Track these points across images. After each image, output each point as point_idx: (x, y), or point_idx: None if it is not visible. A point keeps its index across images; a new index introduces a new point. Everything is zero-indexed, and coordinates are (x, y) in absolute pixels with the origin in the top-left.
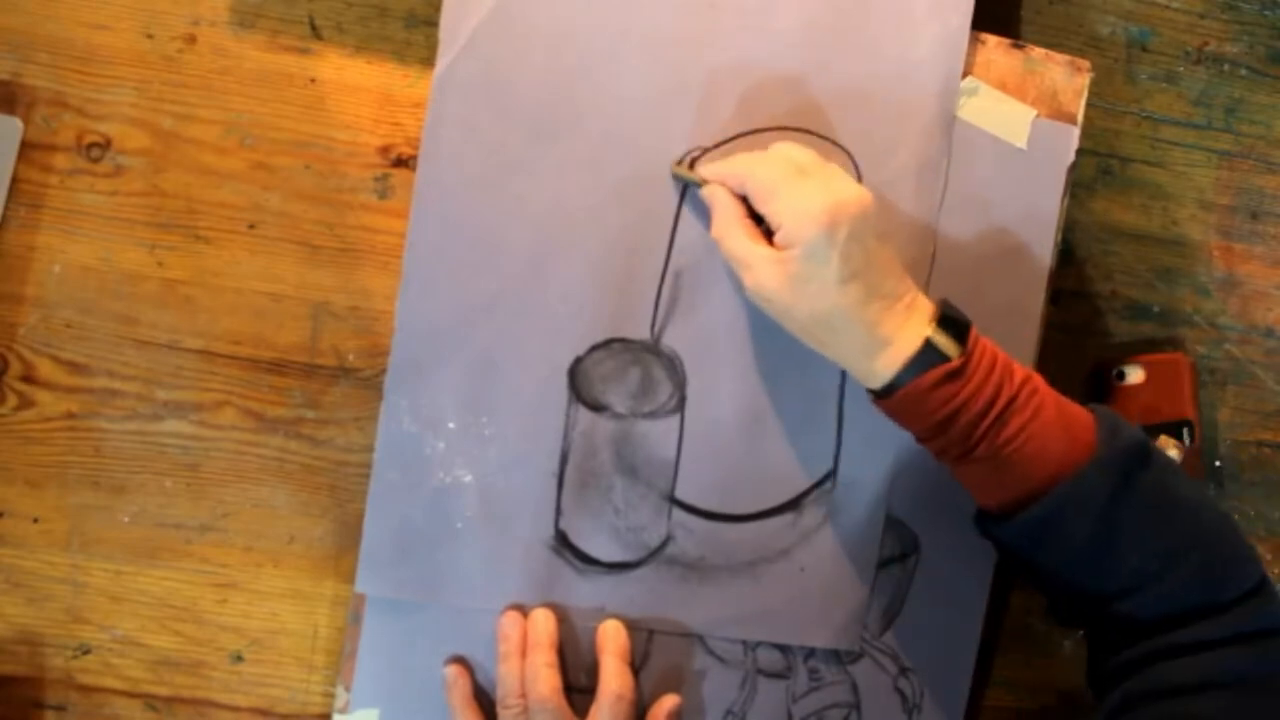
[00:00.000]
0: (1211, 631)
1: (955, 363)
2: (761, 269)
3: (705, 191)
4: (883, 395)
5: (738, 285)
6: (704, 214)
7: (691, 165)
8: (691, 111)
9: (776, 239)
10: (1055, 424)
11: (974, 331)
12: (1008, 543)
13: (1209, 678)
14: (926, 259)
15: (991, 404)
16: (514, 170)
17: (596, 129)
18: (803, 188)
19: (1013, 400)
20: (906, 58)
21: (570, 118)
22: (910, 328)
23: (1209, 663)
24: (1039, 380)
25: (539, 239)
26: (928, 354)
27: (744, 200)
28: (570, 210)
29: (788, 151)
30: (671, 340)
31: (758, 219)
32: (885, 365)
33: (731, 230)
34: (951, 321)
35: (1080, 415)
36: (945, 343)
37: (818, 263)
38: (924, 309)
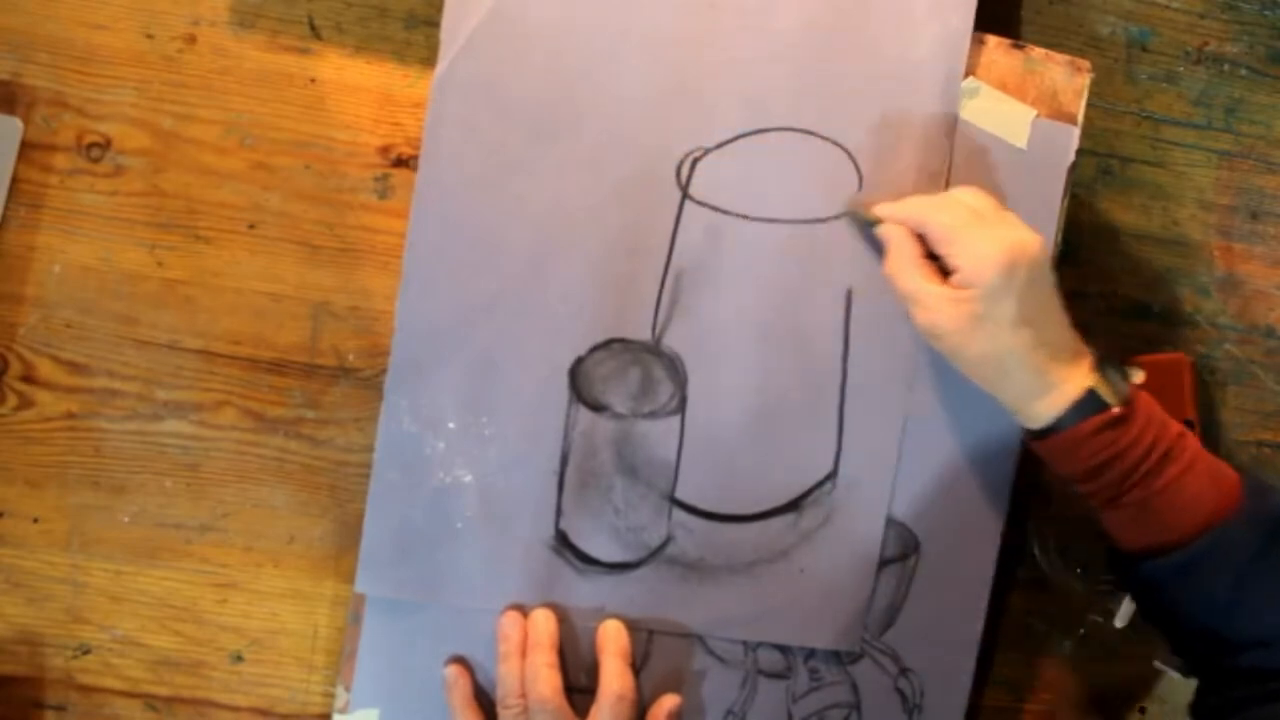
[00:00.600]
0: None
1: (1118, 411)
2: (937, 307)
3: (882, 230)
4: (1040, 436)
5: (907, 319)
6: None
7: (693, 165)
8: (692, 111)
9: (955, 279)
10: (1206, 478)
11: (1133, 384)
12: (1146, 582)
13: None
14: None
15: (1149, 453)
16: (514, 170)
17: (597, 129)
18: (983, 232)
19: (1169, 451)
20: (907, 58)
21: (570, 118)
22: (1075, 374)
23: None
24: (1192, 437)
25: (539, 239)
26: (1091, 400)
27: (919, 240)
28: (571, 210)
29: (967, 197)
30: (672, 341)
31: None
32: (1048, 408)
33: (907, 268)
34: (1112, 371)
35: (1228, 473)
36: (1109, 391)
37: (995, 304)
38: (1086, 357)
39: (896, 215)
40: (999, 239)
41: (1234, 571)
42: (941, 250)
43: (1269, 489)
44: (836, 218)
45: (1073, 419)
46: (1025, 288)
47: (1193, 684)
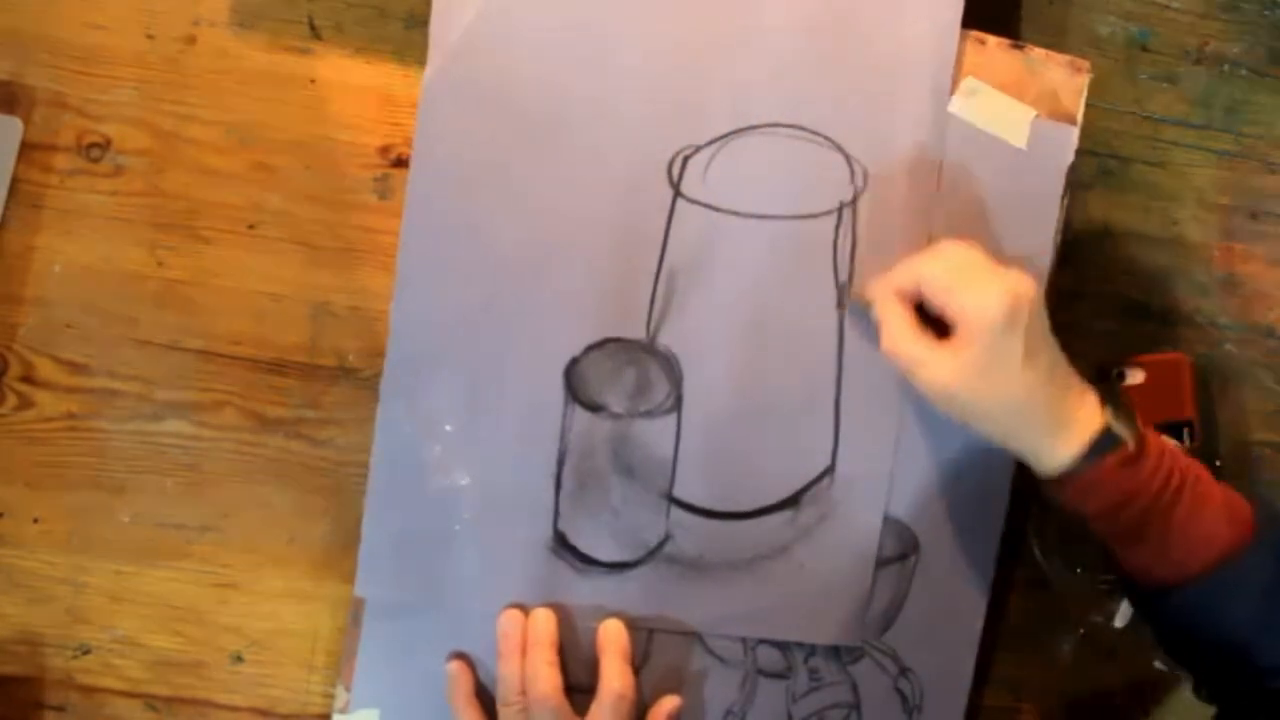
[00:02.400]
0: None
1: (1133, 448)
2: (941, 365)
3: (878, 310)
4: (1057, 480)
5: (911, 393)
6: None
7: (684, 163)
8: (683, 109)
9: (958, 333)
10: (1221, 509)
11: (1139, 418)
12: (1167, 615)
13: None
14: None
15: (1165, 487)
16: (506, 171)
17: (587, 128)
18: (980, 280)
19: (1184, 483)
20: (897, 52)
21: (561, 117)
22: (1087, 412)
23: None
24: (1201, 466)
25: (532, 240)
26: (1106, 438)
27: (911, 308)
28: (563, 211)
29: (957, 250)
30: (667, 339)
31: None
32: (1066, 448)
33: (904, 335)
34: (1118, 405)
35: (1241, 502)
36: (1122, 428)
37: (1001, 350)
38: (1092, 395)
39: (890, 284)
40: (997, 285)
41: (1254, 599)
42: (939, 303)
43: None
44: (846, 307)
45: (1091, 458)
46: (1030, 326)
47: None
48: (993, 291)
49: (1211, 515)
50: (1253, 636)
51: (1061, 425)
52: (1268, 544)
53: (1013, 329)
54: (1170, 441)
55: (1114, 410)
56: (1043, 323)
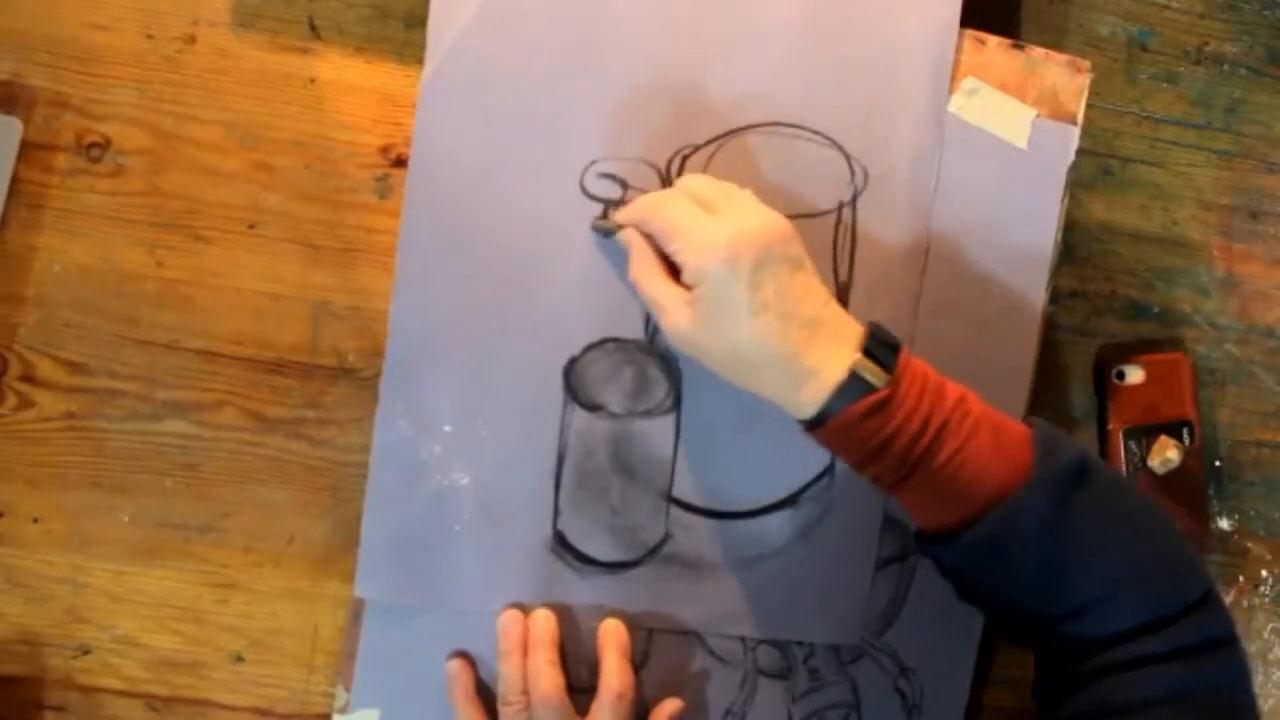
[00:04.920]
0: (1155, 646)
1: (883, 392)
2: (676, 310)
3: (622, 236)
4: (812, 426)
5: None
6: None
7: (683, 163)
8: (680, 109)
9: (683, 278)
10: (990, 445)
11: (904, 355)
12: (949, 565)
13: (1150, 694)
14: (920, 253)
15: (923, 431)
16: (504, 171)
17: (585, 128)
18: (703, 222)
19: (944, 425)
20: (896, 49)
21: (559, 117)
22: (836, 356)
23: (1150, 678)
24: (974, 400)
25: (530, 241)
26: (855, 383)
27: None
28: (561, 211)
29: (690, 184)
30: (666, 339)
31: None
32: (811, 396)
33: (646, 273)
34: (880, 346)
35: (1018, 434)
36: (872, 370)
37: (725, 297)
38: (851, 335)
39: (628, 218)
40: (719, 227)
41: (1034, 543)
42: (667, 249)
43: (1057, 444)
44: (596, 229)
45: (839, 404)
46: (755, 273)
47: None
48: (712, 237)
49: (981, 454)
50: (1038, 582)
51: (806, 375)
52: (1040, 483)
53: (734, 275)
54: (933, 373)
55: (868, 350)
56: (777, 264)
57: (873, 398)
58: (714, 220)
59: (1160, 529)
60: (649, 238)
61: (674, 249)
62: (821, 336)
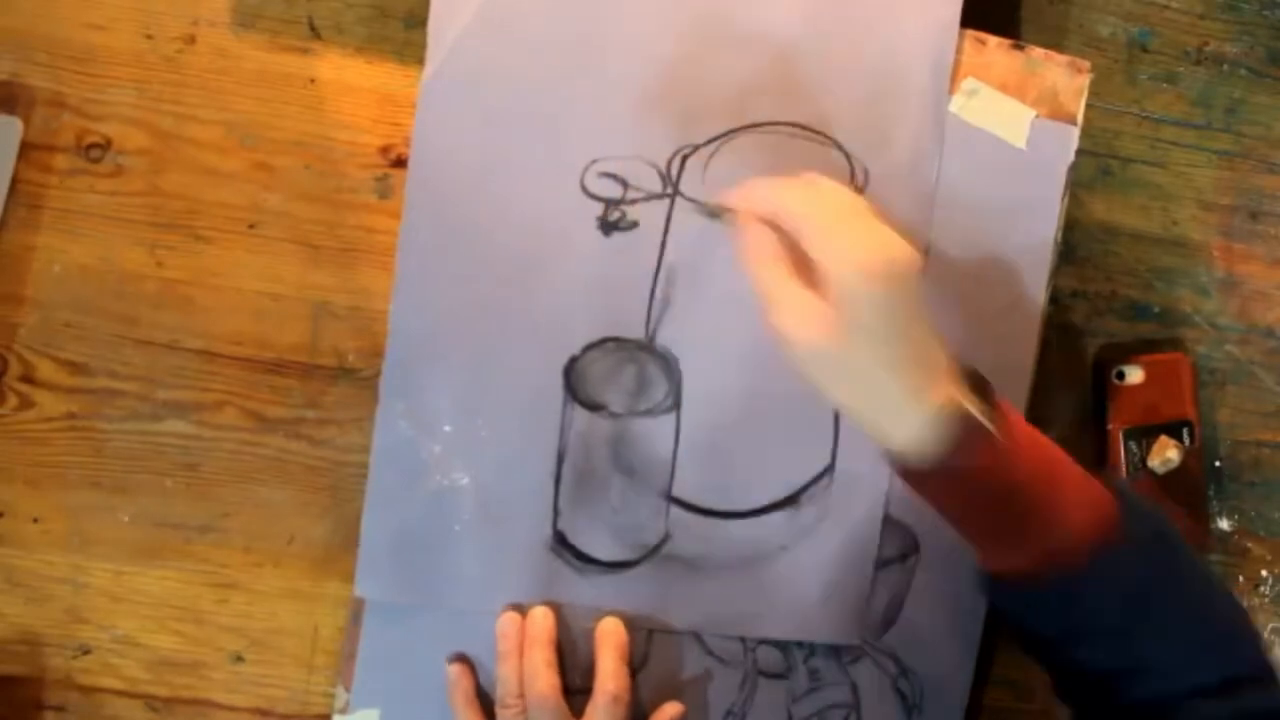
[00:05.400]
0: (1217, 710)
1: (992, 430)
2: (800, 313)
3: (736, 219)
4: (910, 463)
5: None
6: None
7: (683, 163)
8: (680, 108)
9: (831, 283)
10: (1078, 496)
11: (995, 395)
12: (1017, 611)
13: None
14: (920, 252)
15: (1023, 473)
16: (504, 171)
17: (585, 128)
18: (855, 232)
19: (1045, 474)
20: (895, 49)
21: (559, 117)
22: (945, 391)
23: None
24: (1058, 449)
25: (530, 241)
26: (964, 418)
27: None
28: (561, 211)
29: (833, 190)
30: (666, 338)
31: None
32: (917, 430)
33: (767, 265)
34: (980, 384)
35: (1098, 490)
36: (978, 410)
37: (867, 315)
38: (953, 376)
39: (749, 200)
40: (875, 243)
41: (1117, 600)
42: (806, 245)
43: (1141, 505)
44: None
45: (945, 438)
46: (900, 299)
47: None
48: (868, 252)
49: (1069, 505)
50: (1114, 636)
51: (914, 407)
52: (1134, 548)
53: (885, 296)
54: (1021, 416)
55: (972, 391)
56: (914, 295)
57: (983, 433)
58: (865, 232)
59: (1225, 597)
60: (775, 227)
61: (818, 248)
62: (935, 370)
